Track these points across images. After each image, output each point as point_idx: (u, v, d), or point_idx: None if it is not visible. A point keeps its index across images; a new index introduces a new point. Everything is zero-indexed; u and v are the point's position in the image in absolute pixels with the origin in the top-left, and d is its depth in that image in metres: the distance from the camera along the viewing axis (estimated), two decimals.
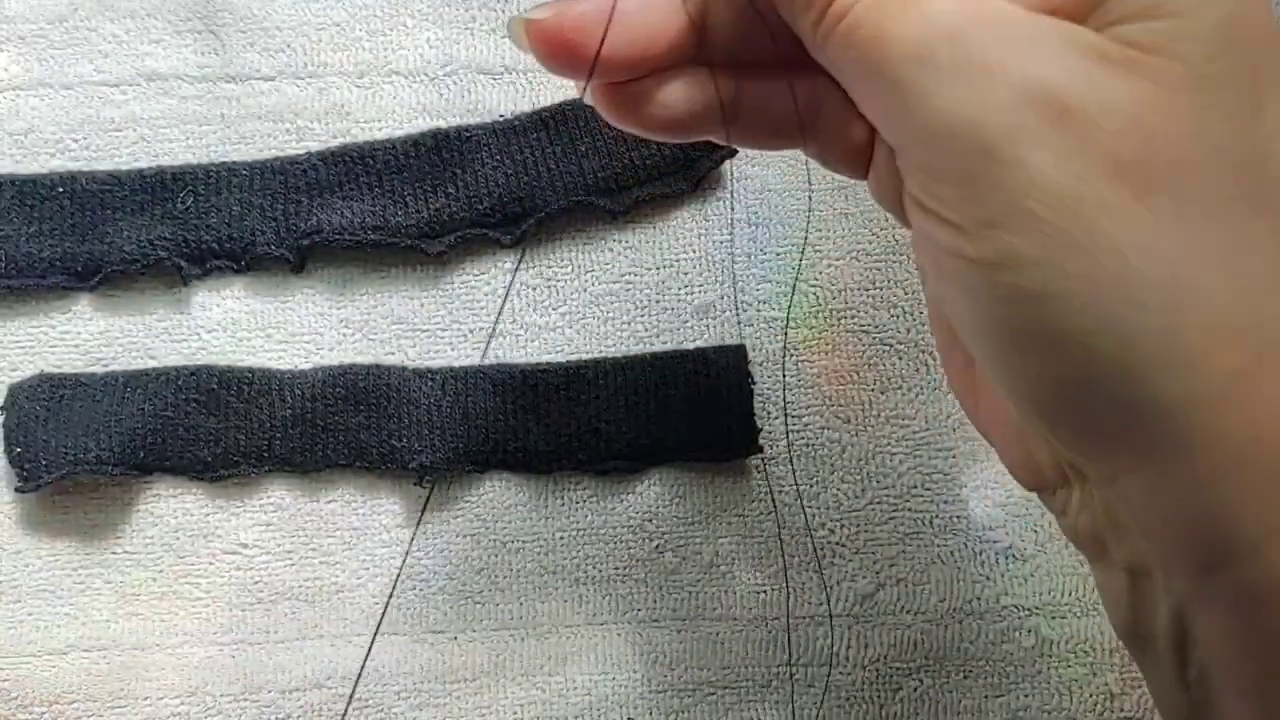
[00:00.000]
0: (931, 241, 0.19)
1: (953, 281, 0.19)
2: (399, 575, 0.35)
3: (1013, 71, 0.17)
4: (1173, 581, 0.19)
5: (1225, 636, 0.18)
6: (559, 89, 0.37)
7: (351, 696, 0.34)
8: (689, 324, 0.36)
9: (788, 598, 0.35)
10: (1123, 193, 0.17)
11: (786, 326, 0.36)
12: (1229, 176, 0.17)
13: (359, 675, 0.34)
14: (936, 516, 0.35)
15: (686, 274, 0.37)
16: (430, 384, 0.35)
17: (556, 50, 0.21)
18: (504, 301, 0.36)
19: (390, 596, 0.35)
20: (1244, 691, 0.18)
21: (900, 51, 0.18)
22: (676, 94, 0.22)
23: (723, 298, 0.36)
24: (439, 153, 0.36)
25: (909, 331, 0.36)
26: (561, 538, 0.35)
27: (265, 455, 0.35)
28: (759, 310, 0.36)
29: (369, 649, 0.34)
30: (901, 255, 0.36)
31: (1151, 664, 0.20)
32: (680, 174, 0.36)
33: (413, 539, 0.35)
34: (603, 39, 0.20)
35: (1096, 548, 0.21)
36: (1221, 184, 0.17)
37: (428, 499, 0.35)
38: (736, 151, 0.36)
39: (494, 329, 0.36)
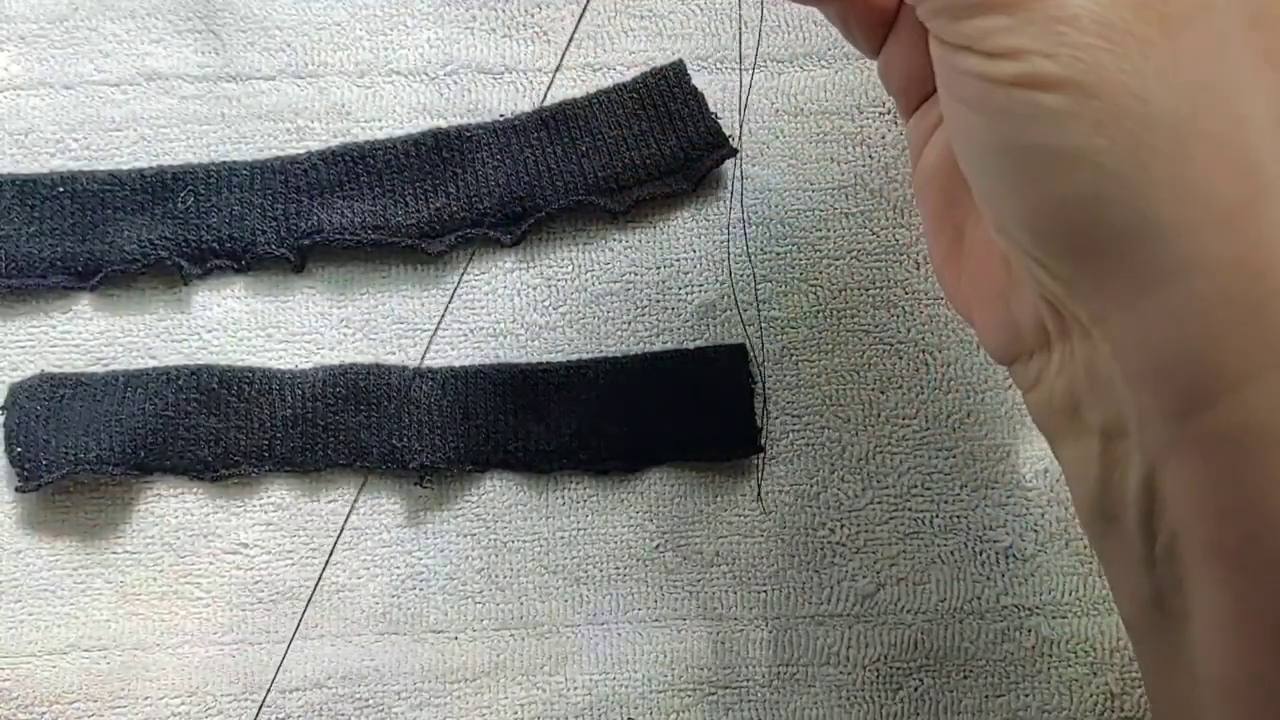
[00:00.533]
0: (957, 69, 0.20)
1: (973, 104, 0.20)
2: (323, 572, 0.35)
3: None
4: (1148, 434, 0.19)
5: (1199, 489, 0.18)
6: (559, 88, 0.37)
7: (265, 699, 0.34)
8: (689, 324, 0.36)
9: (788, 598, 0.35)
10: (1148, 22, 0.18)
11: (743, 324, 0.36)
12: (1245, 23, 0.18)
13: (272, 682, 0.34)
14: (936, 516, 0.35)
15: (686, 274, 0.37)
16: (430, 384, 0.35)
17: None
18: (449, 301, 0.37)
19: (315, 587, 0.34)
20: (1214, 551, 0.18)
21: None
22: None
23: (723, 298, 0.36)
24: (439, 152, 0.36)
25: (909, 331, 0.36)
26: (561, 538, 0.35)
27: (266, 455, 0.35)
28: (759, 310, 0.36)
29: (287, 649, 0.34)
30: (901, 255, 0.36)
31: (1116, 544, 0.21)
32: (680, 174, 0.36)
33: (341, 531, 0.35)
34: None
35: (1069, 416, 0.22)
36: (1238, 29, 0.18)
37: (358, 496, 0.35)
38: (736, 151, 0.36)
39: (436, 329, 0.36)
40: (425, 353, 0.35)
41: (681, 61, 0.37)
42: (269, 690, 0.34)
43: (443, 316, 0.36)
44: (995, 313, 0.24)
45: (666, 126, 0.36)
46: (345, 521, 0.35)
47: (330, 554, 0.35)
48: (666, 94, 0.36)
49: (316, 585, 0.35)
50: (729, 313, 0.36)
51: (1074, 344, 0.21)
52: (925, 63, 0.24)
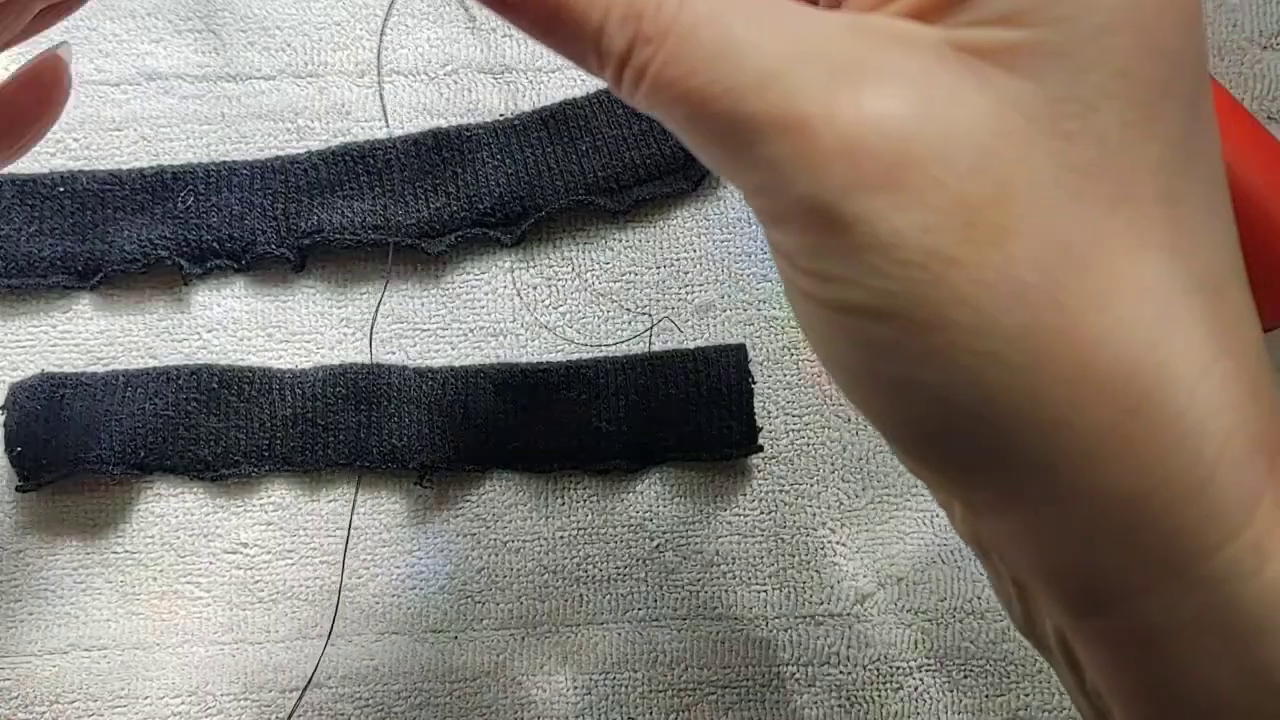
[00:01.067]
0: (783, 273, 0.18)
1: (804, 318, 0.18)
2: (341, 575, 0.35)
3: (837, 113, 0.15)
4: (1052, 612, 0.18)
5: (1107, 671, 0.17)
6: (559, 88, 0.37)
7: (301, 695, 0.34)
8: (689, 324, 0.36)
9: (788, 598, 0.35)
10: (974, 239, 0.15)
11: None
12: (1095, 209, 0.16)
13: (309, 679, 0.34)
14: (936, 516, 0.35)
15: (686, 274, 0.37)
16: (430, 384, 0.35)
17: None
18: (381, 295, 0.36)
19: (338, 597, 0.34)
20: (1131, 716, 0.17)
21: (711, 110, 0.16)
22: None
23: (723, 297, 0.36)
24: (439, 152, 0.36)
25: None
26: (561, 538, 0.35)
27: (266, 455, 0.35)
28: (759, 310, 0.36)
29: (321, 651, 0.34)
30: None
31: (1052, 664, 0.20)
32: (680, 174, 0.36)
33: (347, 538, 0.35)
34: None
35: (982, 553, 0.20)
36: (1083, 218, 0.16)
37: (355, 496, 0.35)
38: None
39: (373, 323, 0.36)
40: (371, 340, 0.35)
41: None
42: (305, 687, 0.34)
43: (375, 316, 0.36)
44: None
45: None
46: (350, 525, 0.35)
47: (344, 557, 0.35)
48: None
49: (340, 589, 0.35)
50: (729, 312, 0.36)
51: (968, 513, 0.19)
52: None
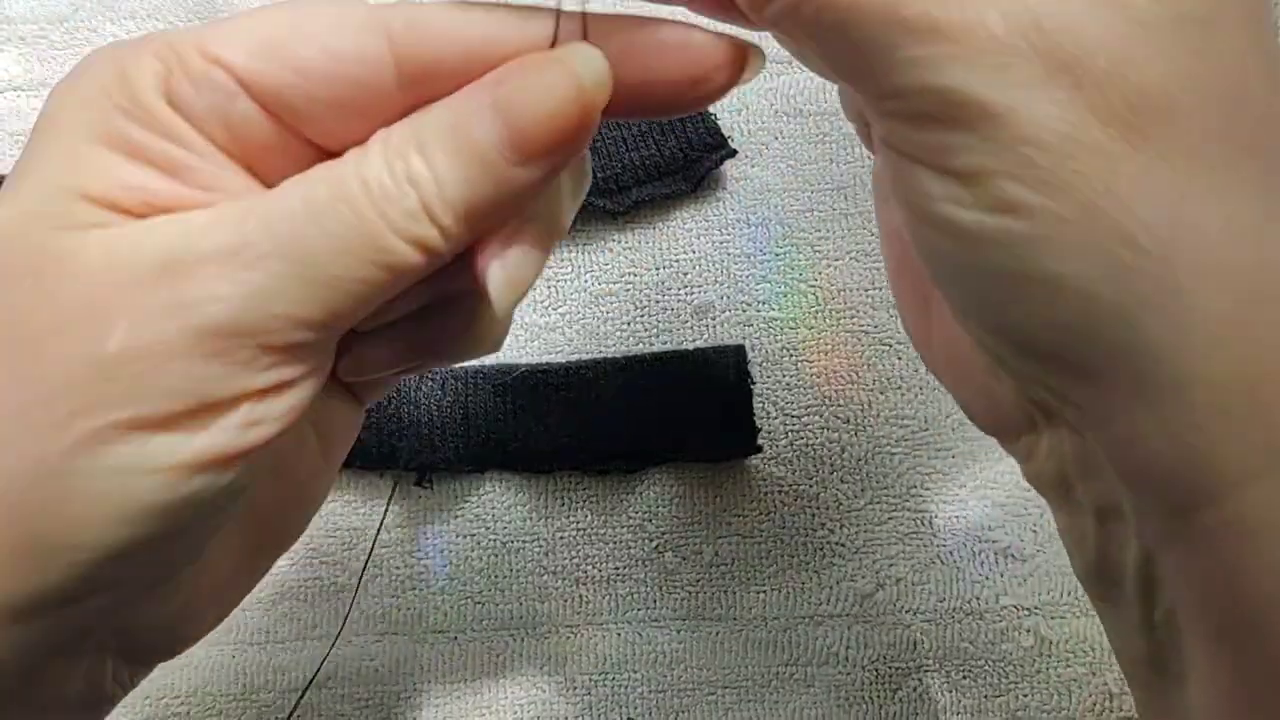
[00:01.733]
0: (915, 186, 0.18)
1: (938, 226, 0.18)
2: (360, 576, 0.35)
3: (991, 14, 0.17)
4: (1146, 523, 0.19)
5: (1197, 579, 0.18)
6: None
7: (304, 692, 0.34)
8: (689, 324, 0.36)
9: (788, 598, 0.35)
10: (1115, 136, 0.17)
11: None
12: (1218, 118, 0.17)
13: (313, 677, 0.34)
14: (936, 516, 0.35)
15: (686, 274, 0.37)
16: (430, 384, 0.35)
17: None
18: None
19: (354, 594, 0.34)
20: (1212, 629, 0.18)
21: (870, 8, 0.17)
22: None
23: (723, 298, 0.36)
24: None
25: None
26: (561, 538, 0.35)
27: None
28: (759, 310, 0.36)
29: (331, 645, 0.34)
30: None
31: (1114, 606, 0.20)
32: (680, 174, 0.36)
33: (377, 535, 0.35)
34: None
35: (1061, 492, 0.21)
36: (1211, 126, 0.17)
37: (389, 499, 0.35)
38: (736, 152, 0.36)
39: None
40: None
41: None
42: (306, 686, 0.34)
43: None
44: (974, 391, 0.23)
45: (666, 127, 0.36)
46: (379, 528, 0.35)
47: (367, 561, 0.35)
48: None
49: (357, 589, 0.35)
50: (728, 313, 0.36)
51: (1063, 435, 0.20)
52: None
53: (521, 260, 0.20)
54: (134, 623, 0.20)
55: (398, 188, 0.17)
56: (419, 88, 0.19)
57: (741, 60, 0.20)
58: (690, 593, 0.35)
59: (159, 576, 0.19)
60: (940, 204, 0.18)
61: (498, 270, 0.19)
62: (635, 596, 0.35)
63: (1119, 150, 0.17)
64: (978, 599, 0.35)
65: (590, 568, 0.35)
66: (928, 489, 0.35)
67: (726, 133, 0.37)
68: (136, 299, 0.17)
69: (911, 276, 0.24)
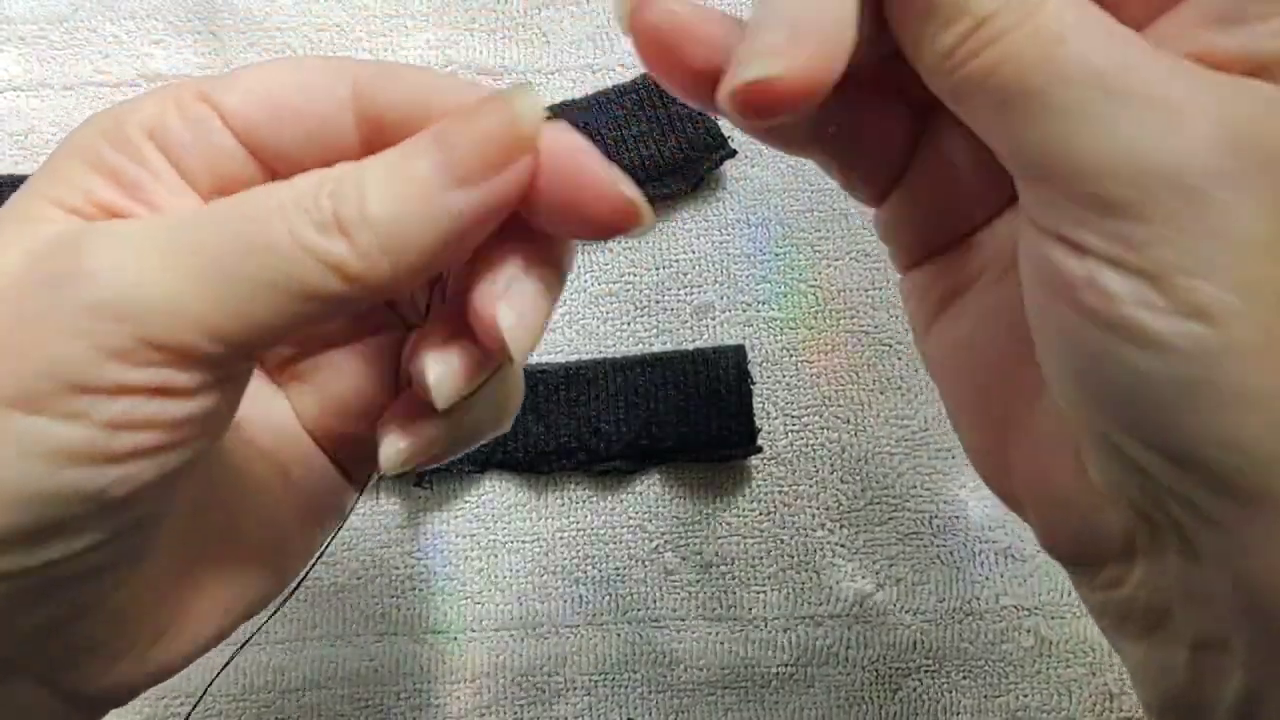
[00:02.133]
0: (1069, 272, 0.17)
1: (1117, 330, 0.17)
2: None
3: (1210, 109, 0.16)
4: (1260, 658, 0.17)
5: None
6: (558, 90, 0.37)
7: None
8: (689, 324, 0.36)
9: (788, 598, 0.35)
10: None
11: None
12: None
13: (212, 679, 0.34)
14: (936, 516, 0.35)
15: (686, 274, 0.37)
16: None
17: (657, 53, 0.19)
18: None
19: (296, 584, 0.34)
20: None
21: (1079, 77, 0.16)
22: None
23: (723, 298, 0.36)
24: None
25: (908, 332, 0.36)
26: (561, 538, 0.35)
27: None
28: (759, 310, 0.36)
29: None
30: None
31: None
32: (680, 174, 0.36)
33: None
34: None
35: (1148, 623, 0.19)
36: None
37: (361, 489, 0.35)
38: (736, 152, 0.36)
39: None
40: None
41: None
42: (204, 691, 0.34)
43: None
44: (1059, 516, 0.21)
45: (666, 127, 0.36)
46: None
47: (321, 553, 0.35)
48: (665, 95, 0.37)
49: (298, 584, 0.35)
50: (728, 313, 0.36)
51: (1169, 562, 0.18)
52: (943, 213, 0.21)
53: (528, 294, 0.20)
54: (64, 651, 0.19)
55: (315, 201, 0.17)
56: (377, 133, 0.19)
57: (634, 217, 0.19)
58: (690, 593, 0.35)
59: (58, 584, 0.18)
60: (1124, 306, 0.16)
61: (507, 311, 0.19)
62: (635, 596, 0.35)
63: None
64: (978, 599, 0.35)
65: (590, 567, 0.35)
66: (928, 489, 0.35)
67: (726, 133, 0.37)
68: (28, 273, 0.17)
69: (986, 401, 0.22)
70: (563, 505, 0.36)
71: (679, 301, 0.36)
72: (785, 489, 0.35)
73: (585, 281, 0.37)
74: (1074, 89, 0.16)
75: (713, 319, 0.36)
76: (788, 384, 0.36)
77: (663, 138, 0.36)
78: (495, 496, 0.36)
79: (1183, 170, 0.16)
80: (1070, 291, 0.17)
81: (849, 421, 0.36)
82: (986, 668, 0.35)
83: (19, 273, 0.17)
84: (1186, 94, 0.16)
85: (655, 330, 0.36)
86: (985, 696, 0.34)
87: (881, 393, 0.36)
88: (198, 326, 0.17)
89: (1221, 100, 0.16)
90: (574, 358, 0.36)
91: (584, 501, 0.36)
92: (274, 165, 0.19)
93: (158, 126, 0.19)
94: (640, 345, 0.36)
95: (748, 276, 0.37)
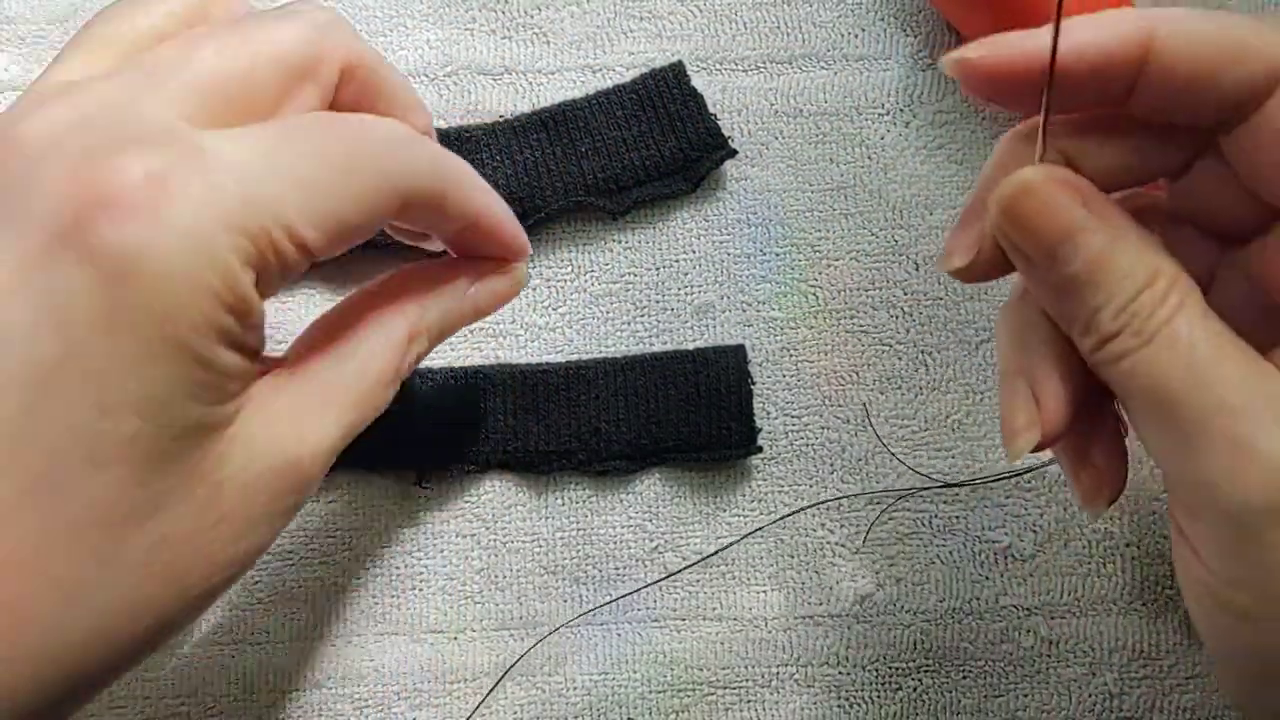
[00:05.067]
0: (1184, 563, 0.20)
1: (1199, 605, 0.20)
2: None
3: (1271, 453, 0.18)
4: None
5: None
6: (559, 90, 0.37)
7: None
8: (689, 324, 0.36)
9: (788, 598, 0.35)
10: None
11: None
12: None
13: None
14: (936, 516, 0.35)
15: (686, 274, 0.37)
16: (430, 384, 0.35)
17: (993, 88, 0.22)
18: None
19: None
20: None
21: (1170, 407, 0.19)
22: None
23: (723, 298, 0.36)
24: None
25: (909, 331, 0.36)
26: (560, 538, 0.35)
27: None
28: (759, 310, 0.36)
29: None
30: (901, 255, 0.37)
31: None
32: (680, 174, 0.36)
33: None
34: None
35: None
36: None
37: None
38: (736, 152, 0.36)
39: None
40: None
41: (681, 63, 0.37)
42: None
43: None
44: None
45: (666, 127, 0.36)
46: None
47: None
48: (666, 95, 0.37)
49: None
50: (728, 313, 0.36)
51: None
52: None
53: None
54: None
55: None
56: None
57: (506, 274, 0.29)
58: (689, 593, 0.35)
59: None
60: (1200, 589, 0.20)
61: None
62: (635, 596, 0.35)
63: None
64: (978, 599, 0.35)
65: (590, 567, 0.35)
66: (928, 488, 0.35)
67: (726, 133, 0.36)
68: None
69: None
70: (563, 505, 0.36)
71: (679, 301, 0.36)
72: (785, 489, 0.35)
73: (585, 281, 0.37)
74: (1178, 415, 0.19)
75: (713, 319, 0.36)
76: (788, 384, 0.36)
77: (663, 138, 0.36)
78: (495, 496, 0.36)
79: (1243, 506, 0.19)
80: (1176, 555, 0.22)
81: (849, 421, 0.36)
82: (986, 668, 0.35)
83: None
84: (1266, 437, 0.19)
85: (655, 330, 0.36)
86: (985, 696, 0.34)
87: (881, 392, 0.36)
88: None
89: None
90: (574, 358, 0.36)
91: (584, 501, 0.36)
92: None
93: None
94: (640, 345, 0.36)
95: (748, 276, 0.37)
